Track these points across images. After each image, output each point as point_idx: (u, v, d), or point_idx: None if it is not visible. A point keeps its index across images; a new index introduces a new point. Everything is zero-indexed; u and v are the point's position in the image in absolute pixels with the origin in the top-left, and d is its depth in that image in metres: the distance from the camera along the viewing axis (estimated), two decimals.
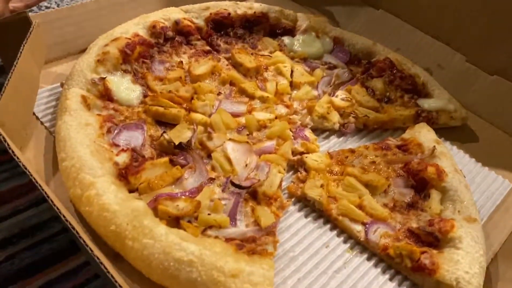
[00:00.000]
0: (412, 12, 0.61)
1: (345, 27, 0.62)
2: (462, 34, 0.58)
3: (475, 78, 0.57)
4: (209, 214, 0.36)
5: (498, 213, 0.44)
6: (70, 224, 0.31)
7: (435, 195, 0.42)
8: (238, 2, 0.57)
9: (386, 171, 0.44)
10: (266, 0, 0.61)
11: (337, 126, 0.49)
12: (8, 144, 0.33)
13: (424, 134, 0.48)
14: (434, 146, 0.45)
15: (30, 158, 0.37)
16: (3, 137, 0.33)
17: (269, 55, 0.54)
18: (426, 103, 0.53)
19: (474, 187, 0.45)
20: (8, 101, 0.35)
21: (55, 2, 0.55)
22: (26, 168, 0.33)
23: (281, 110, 0.48)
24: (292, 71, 0.53)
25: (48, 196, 0.32)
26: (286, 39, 0.57)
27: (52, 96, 0.44)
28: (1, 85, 0.42)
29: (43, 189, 0.32)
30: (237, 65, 0.52)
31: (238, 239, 0.36)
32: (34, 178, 0.33)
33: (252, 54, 0.54)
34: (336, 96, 0.51)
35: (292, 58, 0.55)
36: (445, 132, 0.51)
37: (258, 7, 0.58)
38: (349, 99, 0.51)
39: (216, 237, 0.35)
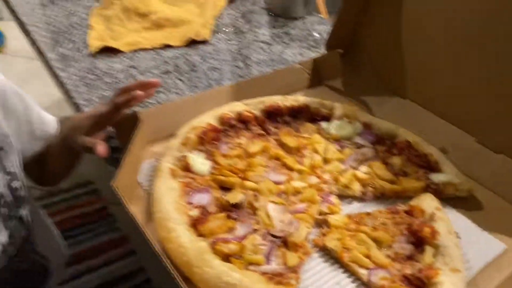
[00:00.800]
0: (432, 100, 0.74)
1: (375, 113, 0.76)
2: (473, 118, 0.69)
3: (484, 157, 0.67)
4: (250, 254, 0.50)
5: (488, 269, 0.53)
6: (159, 255, 0.47)
7: (428, 250, 0.52)
8: (287, 96, 0.74)
9: (392, 230, 0.55)
10: (310, 91, 0.78)
11: (358, 193, 0.61)
12: (124, 200, 0.51)
13: (428, 202, 0.59)
14: (433, 212, 0.56)
15: (135, 211, 0.55)
16: (121, 196, 0.51)
17: (308, 137, 0.69)
18: (436, 177, 0.64)
19: (468, 245, 0.55)
20: (123, 173, 0.54)
21: (156, 101, 0.74)
22: (134, 218, 0.50)
23: (314, 180, 0.62)
24: (325, 150, 0.67)
25: (147, 236, 0.49)
26: (324, 124, 0.72)
27: (150, 168, 0.62)
28: (116, 160, 0.61)
29: (145, 233, 0.49)
30: (282, 145, 0.67)
31: (270, 274, 0.49)
32: (139, 224, 0.50)
33: (295, 136, 0.69)
34: (360, 170, 0.64)
35: (327, 139, 0.69)
36: (453, 201, 0.62)
37: (302, 99, 0.74)
38: (370, 173, 0.64)
39: (255, 271, 0.49)
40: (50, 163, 0.74)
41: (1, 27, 2.67)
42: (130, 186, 0.57)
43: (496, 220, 0.59)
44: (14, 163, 0.67)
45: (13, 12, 0.98)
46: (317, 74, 0.82)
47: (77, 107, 0.72)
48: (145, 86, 0.61)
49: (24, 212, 0.70)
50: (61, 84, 0.78)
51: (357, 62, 0.81)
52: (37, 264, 0.79)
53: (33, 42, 0.88)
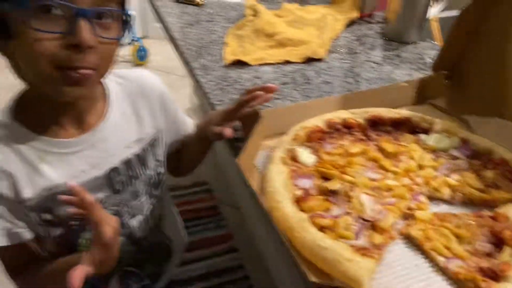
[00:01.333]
0: None
1: (475, 131, 0.80)
2: None
3: None
4: (342, 230, 0.59)
5: None
6: (270, 214, 0.59)
7: (507, 250, 0.56)
8: (390, 109, 0.82)
9: (475, 230, 0.60)
10: (414, 107, 0.85)
11: (447, 197, 0.66)
12: (244, 173, 0.64)
13: None
14: None
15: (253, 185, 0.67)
16: (242, 169, 0.65)
17: (406, 145, 0.77)
18: None
19: None
20: (245, 155, 0.68)
21: (274, 106, 0.87)
22: (251, 186, 0.63)
23: (406, 181, 0.69)
24: (421, 158, 0.74)
25: (259, 200, 0.62)
26: (422, 136, 0.78)
27: (265, 156, 0.74)
28: (239, 148, 0.76)
29: (259, 198, 0.62)
30: (381, 150, 0.75)
31: (357, 247, 0.58)
32: (254, 191, 0.63)
33: (394, 143, 0.77)
34: (451, 178, 0.70)
35: (424, 149, 0.76)
36: None
37: (404, 113, 0.81)
38: (461, 180, 0.69)
39: (345, 243, 0.58)
40: (185, 156, 0.93)
41: (146, 44, 3.10)
42: (249, 166, 0.70)
43: None
44: (162, 153, 0.86)
45: (167, 30, 1.20)
46: (422, 93, 0.89)
47: (212, 106, 0.89)
48: (265, 89, 0.75)
49: (160, 194, 0.88)
50: (201, 87, 0.95)
51: (461, 84, 0.87)
52: (163, 244, 0.97)
53: (181, 54, 1.08)
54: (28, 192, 0.67)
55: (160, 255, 0.97)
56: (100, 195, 0.74)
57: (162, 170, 0.85)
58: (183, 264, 1.81)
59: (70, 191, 0.65)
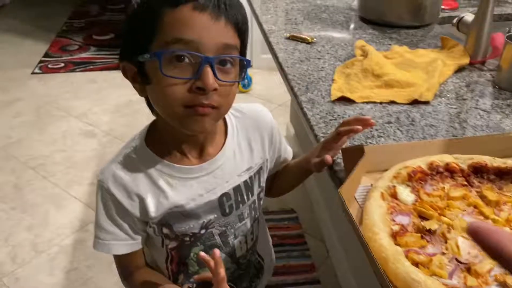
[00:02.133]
0: None
1: None
2: None
3: None
4: (436, 268, 0.62)
5: None
6: (366, 244, 0.64)
7: None
8: (496, 158, 0.83)
9: None
10: None
11: None
12: (344, 203, 0.70)
13: None
14: None
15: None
16: (343, 198, 0.70)
17: (510, 196, 0.76)
18: None
19: None
20: (346, 185, 0.73)
21: (376, 143, 0.92)
22: (351, 216, 0.68)
23: (506, 230, 0.69)
24: None
25: (357, 229, 0.66)
26: None
27: (364, 190, 0.79)
28: (339, 179, 0.82)
29: (357, 229, 0.67)
30: (482, 197, 0.76)
31: (450, 286, 0.60)
32: (353, 220, 0.68)
33: (497, 192, 0.77)
34: None
35: None
36: None
37: (510, 163, 0.82)
38: None
39: (437, 280, 0.60)
40: (280, 181, 1.02)
41: (251, 73, 3.30)
42: (349, 198, 0.75)
43: None
44: (264, 179, 0.95)
45: (280, 65, 1.31)
46: None
47: (315, 137, 0.96)
48: (362, 121, 0.81)
49: (259, 216, 0.97)
50: (307, 120, 1.03)
51: None
52: (256, 262, 1.06)
53: (291, 88, 1.17)
54: (153, 211, 0.81)
55: (253, 272, 1.05)
56: (211, 216, 0.85)
57: (262, 194, 0.94)
58: (267, 287, 1.89)
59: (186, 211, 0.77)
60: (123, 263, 0.89)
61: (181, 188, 0.80)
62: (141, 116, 2.98)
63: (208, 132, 0.77)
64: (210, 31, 0.66)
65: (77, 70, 3.66)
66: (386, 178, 0.78)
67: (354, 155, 0.82)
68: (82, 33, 4.38)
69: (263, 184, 0.95)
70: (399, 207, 0.74)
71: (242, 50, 0.75)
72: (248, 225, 0.92)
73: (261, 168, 0.93)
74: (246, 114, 0.90)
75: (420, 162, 0.81)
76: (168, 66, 0.66)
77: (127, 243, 0.84)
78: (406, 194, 0.76)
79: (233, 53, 0.70)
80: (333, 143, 0.85)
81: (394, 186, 0.77)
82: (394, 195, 0.76)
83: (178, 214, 0.82)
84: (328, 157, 0.81)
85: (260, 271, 1.07)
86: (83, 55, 3.91)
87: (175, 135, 0.78)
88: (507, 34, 1.16)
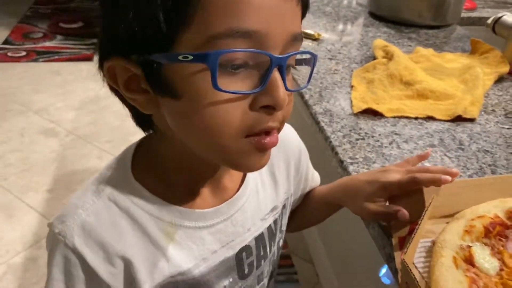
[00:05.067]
0: None
1: None
2: None
3: None
4: None
5: None
6: None
7: None
8: None
9: None
10: None
11: None
12: (413, 275, 0.46)
13: None
14: None
15: None
16: (413, 274, 0.47)
17: None
18: None
19: None
20: (412, 248, 0.50)
21: None
22: None
23: None
24: None
25: None
26: None
27: (424, 247, 0.56)
28: None
29: None
30: None
31: None
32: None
33: None
34: None
35: None
36: None
37: None
38: None
39: None
40: (304, 212, 0.76)
41: None
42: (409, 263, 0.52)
43: None
44: (286, 222, 0.69)
45: None
46: None
47: (342, 164, 0.72)
48: (447, 173, 0.57)
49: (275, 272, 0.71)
50: (326, 138, 0.79)
51: None
52: None
53: (301, 96, 0.94)
54: (146, 281, 0.51)
55: None
56: (226, 282, 0.58)
57: (282, 242, 0.69)
58: None
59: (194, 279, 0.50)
60: None
61: (188, 244, 0.53)
62: (109, 114, 2.68)
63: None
64: (280, 15, 0.41)
65: (40, 60, 3.31)
66: (455, 232, 0.55)
67: (410, 200, 0.59)
68: (48, 20, 4.01)
69: (283, 228, 0.69)
70: (481, 279, 0.51)
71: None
72: (266, 286, 0.67)
73: (284, 207, 0.67)
74: None
75: (496, 209, 0.59)
76: (221, 75, 0.40)
77: None
78: (486, 259, 0.53)
79: (299, 48, 0.45)
80: (400, 187, 0.60)
81: (469, 246, 0.54)
82: (470, 260, 0.53)
83: (182, 284, 0.53)
84: (404, 214, 0.56)
85: None
86: (48, 43, 3.55)
87: (186, 165, 0.52)
88: None
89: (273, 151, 0.60)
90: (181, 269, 0.52)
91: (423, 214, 0.54)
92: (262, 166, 0.47)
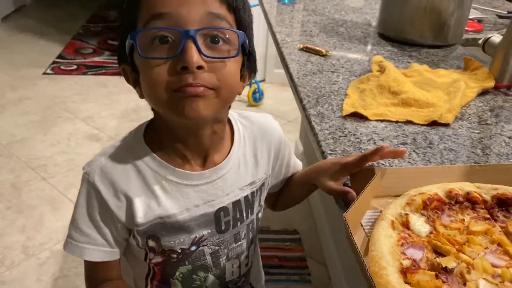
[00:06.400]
0: None
1: None
2: None
3: None
4: None
5: None
6: (371, 278, 0.55)
7: None
8: None
9: None
10: None
11: None
12: (349, 230, 0.60)
13: None
14: None
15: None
16: (347, 225, 0.61)
17: None
18: None
19: None
20: (353, 210, 0.64)
21: (389, 165, 0.83)
22: (355, 244, 0.59)
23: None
24: None
25: (361, 259, 0.57)
26: None
27: (373, 216, 0.70)
28: (345, 203, 0.73)
29: (361, 258, 0.58)
30: (508, 234, 0.66)
31: None
32: (358, 250, 0.59)
33: None
34: None
35: None
36: None
37: None
38: None
39: None
40: (284, 195, 0.92)
41: (263, 87, 3.23)
42: (354, 224, 0.66)
43: None
44: (264, 197, 0.86)
45: (290, 76, 1.23)
46: None
47: (322, 154, 0.87)
48: (396, 153, 0.72)
49: (255, 240, 0.88)
50: (314, 135, 0.95)
51: None
52: (244, 285, 0.95)
53: (300, 100, 1.09)
54: (141, 217, 0.71)
55: None
56: (205, 231, 0.76)
57: (261, 214, 0.85)
58: None
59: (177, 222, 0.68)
60: (94, 272, 0.78)
61: (176, 195, 0.72)
62: None
63: (207, 118, 0.65)
64: (186, 0, 0.58)
65: (89, 73, 3.63)
66: (398, 204, 0.69)
67: (364, 177, 0.73)
68: (98, 37, 4.38)
69: (263, 202, 0.86)
70: (411, 238, 0.65)
71: (239, 22, 0.64)
72: (244, 247, 0.83)
73: (263, 184, 0.84)
74: (254, 123, 0.81)
75: (437, 189, 0.72)
76: (149, 49, 0.59)
77: (103, 250, 0.74)
78: (420, 224, 0.67)
79: (222, 25, 0.61)
80: (354, 166, 0.75)
81: (406, 214, 0.67)
82: (406, 225, 0.67)
83: (168, 225, 0.73)
84: (352, 195, 0.71)
85: None
86: (96, 59, 3.89)
87: (176, 135, 0.70)
88: None
89: (258, 137, 0.79)
90: (168, 213, 0.71)
91: (366, 185, 0.68)
92: (198, 113, 0.61)
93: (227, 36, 0.61)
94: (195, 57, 0.57)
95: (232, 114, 0.78)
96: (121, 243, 0.74)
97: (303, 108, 1.07)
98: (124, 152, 0.70)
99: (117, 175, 0.68)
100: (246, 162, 0.78)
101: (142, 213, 0.70)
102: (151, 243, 0.74)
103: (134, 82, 0.66)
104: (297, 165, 0.92)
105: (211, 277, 0.82)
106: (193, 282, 0.81)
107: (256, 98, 3.25)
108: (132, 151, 0.70)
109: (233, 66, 0.63)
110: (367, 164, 0.74)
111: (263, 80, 3.52)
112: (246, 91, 3.26)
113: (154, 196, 0.70)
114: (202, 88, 0.59)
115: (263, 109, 3.24)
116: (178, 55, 0.58)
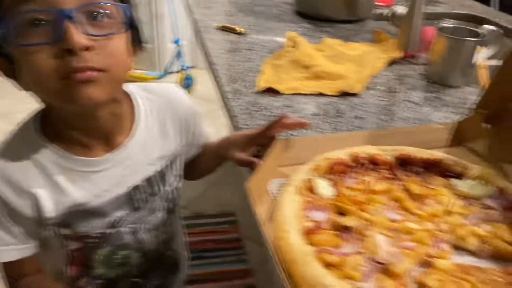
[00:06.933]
0: None
1: None
2: None
3: None
4: (349, 269, 0.54)
5: None
6: (268, 244, 0.55)
7: None
8: (423, 150, 0.77)
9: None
10: (448, 150, 0.79)
11: (473, 248, 0.59)
12: (251, 198, 0.61)
13: None
14: None
15: (260, 211, 0.64)
16: (250, 194, 0.61)
17: (435, 189, 0.71)
18: None
19: None
20: (256, 179, 0.64)
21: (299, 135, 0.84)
22: (255, 212, 0.60)
23: (429, 226, 0.63)
24: (450, 203, 0.68)
25: (262, 230, 0.58)
26: (454, 181, 0.72)
27: (281, 183, 0.71)
28: None
29: (261, 226, 0.58)
30: (407, 190, 0.70)
31: None
32: (257, 219, 0.59)
33: (422, 185, 0.72)
34: (480, 227, 0.63)
35: (454, 195, 0.70)
36: None
37: (437, 154, 0.76)
38: (491, 232, 0.62)
39: (351, 284, 0.53)
40: (198, 165, 0.92)
41: (194, 74, 3.18)
42: (260, 191, 0.67)
43: None
44: (180, 168, 0.85)
45: (207, 55, 1.22)
46: (458, 136, 0.83)
47: (237, 129, 0.87)
48: (299, 124, 0.73)
49: (175, 208, 0.87)
50: (229, 110, 0.94)
51: (503, 130, 0.80)
52: (170, 258, 0.95)
53: (216, 78, 1.08)
54: (50, 211, 0.67)
55: (167, 268, 0.95)
56: (120, 213, 0.74)
57: (180, 185, 0.84)
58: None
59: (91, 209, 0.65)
60: (12, 271, 0.75)
61: (83, 184, 0.69)
62: None
63: (101, 102, 0.61)
64: None
65: None
66: (304, 170, 0.71)
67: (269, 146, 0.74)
68: None
69: (179, 172, 0.85)
70: (316, 202, 0.66)
71: (123, 1, 0.61)
72: (160, 217, 0.81)
73: (176, 156, 0.82)
74: (158, 95, 0.79)
75: (342, 154, 0.74)
76: (25, 36, 0.54)
77: (15, 248, 0.70)
78: (324, 188, 0.69)
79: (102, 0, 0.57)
80: (259, 137, 0.76)
81: (312, 179, 0.69)
82: (311, 189, 0.68)
83: (80, 213, 0.70)
84: (256, 163, 0.71)
85: (175, 267, 0.97)
86: None
87: (73, 123, 0.66)
88: (438, 27, 1.13)
89: (164, 109, 0.77)
90: (77, 202, 0.67)
91: (267, 154, 0.69)
92: (91, 99, 0.58)
93: (109, 11, 0.57)
94: (76, 37, 0.53)
95: (131, 88, 0.75)
96: (35, 236, 0.70)
97: (219, 86, 1.06)
98: (21, 148, 0.66)
99: (16, 173, 0.65)
100: (153, 136, 0.76)
101: (51, 207, 0.67)
102: (64, 231, 0.71)
103: (13, 74, 0.60)
104: (208, 134, 0.93)
105: (132, 252, 0.80)
106: (114, 261, 0.80)
107: (187, 85, 3.20)
108: (30, 145, 0.66)
109: (120, 42, 0.60)
110: (282, 137, 0.74)
111: (195, 67, 3.47)
112: (177, 78, 3.20)
113: (60, 188, 0.67)
114: (89, 72, 0.56)
115: (194, 96, 3.20)
116: (58, 38, 0.53)
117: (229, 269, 1.85)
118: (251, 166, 0.71)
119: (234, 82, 1.06)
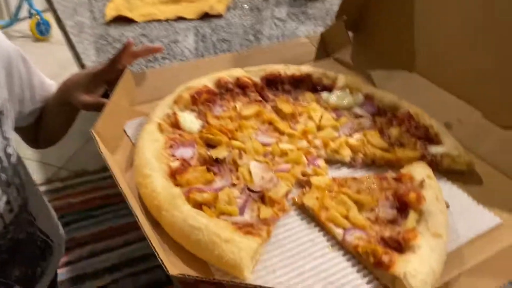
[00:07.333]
0: (440, 75, 0.71)
1: (381, 86, 0.73)
2: (481, 92, 0.65)
3: (489, 132, 0.63)
4: (224, 205, 0.49)
5: (478, 241, 0.50)
6: (125, 196, 0.47)
7: (412, 215, 0.49)
8: (289, 65, 0.73)
9: (377, 195, 0.53)
10: (316, 63, 0.76)
11: (347, 159, 0.59)
12: (100, 146, 0.51)
13: (419, 171, 0.55)
14: (423, 180, 0.53)
15: (118, 159, 0.55)
16: (97, 142, 0.52)
17: (305, 105, 0.68)
18: (434, 149, 0.60)
19: (460, 217, 0.52)
20: (104, 121, 0.55)
21: (159, 65, 0.74)
22: (107, 162, 0.51)
23: (303, 144, 0.60)
24: (321, 118, 0.65)
25: (117, 181, 0.49)
26: (324, 94, 0.70)
27: (140, 123, 0.62)
28: None
29: (115, 176, 0.50)
30: (277, 111, 0.66)
31: (240, 224, 0.48)
32: (111, 169, 0.50)
33: (292, 104, 0.68)
34: (352, 137, 0.62)
35: (325, 108, 0.68)
36: (452, 175, 0.58)
37: (304, 69, 0.72)
38: (363, 140, 0.61)
39: (225, 220, 0.48)
40: (45, 126, 0.75)
41: (48, 17, 2.79)
42: (114, 136, 0.57)
43: (494, 195, 0.56)
44: (10, 129, 0.67)
45: None
46: (324, 48, 0.80)
47: (83, 68, 0.74)
48: (149, 51, 0.62)
49: (18, 181, 0.70)
50: (72, 48, 0.80)
51: (366, 37, 0.79)
52: (37, 239, 0.78)
53: (54, 11, 0.91)
54: None
55: (32, 255, 0.79)
56: None
57: (11, 150, 0.67)
58: (92, 256, 1.63)
59: None
60: None
61: None
62: None
63: None
64: None
65: None
66: (165, 104, 0.62)
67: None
68: None
69: (9, 135, 0.67)
70: (182, 137, 0.59)
71: None
72: None
73: (1, 112, 0.65)
74: None
75: (206, 81, 0.67)
76: None
77: None
78: (190, 121, 0.61)
79: None
80: (105, 73, 0.64)
81: (174, 113, 0.61)
82: (175, 125, 0.60)
83: None
84: (101, 101, 0.60)
85: (46, 252, 0.82)
86: None
87: None
88: None
89: None
90: None
91: (114, 90, 0.58)
92: None
93: None
94: None
95: None
96: None
97: (57, 20, 0.89)
98: None
99: None
100: None
101: None
102: None
103: None
104: (49, 85, 0.75)
105: None
106: None
107: (42, 31, 2.80)
108: None
109: None
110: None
111: (48, 10, 3.04)
112: (28, 24, 2.77)
113: None
114: None
115: (54, 42, 2.83)
116: None
117: (122, 223, 1.75)
118: (99, 109, 0.60)
119: (77, 14, 0.90)
